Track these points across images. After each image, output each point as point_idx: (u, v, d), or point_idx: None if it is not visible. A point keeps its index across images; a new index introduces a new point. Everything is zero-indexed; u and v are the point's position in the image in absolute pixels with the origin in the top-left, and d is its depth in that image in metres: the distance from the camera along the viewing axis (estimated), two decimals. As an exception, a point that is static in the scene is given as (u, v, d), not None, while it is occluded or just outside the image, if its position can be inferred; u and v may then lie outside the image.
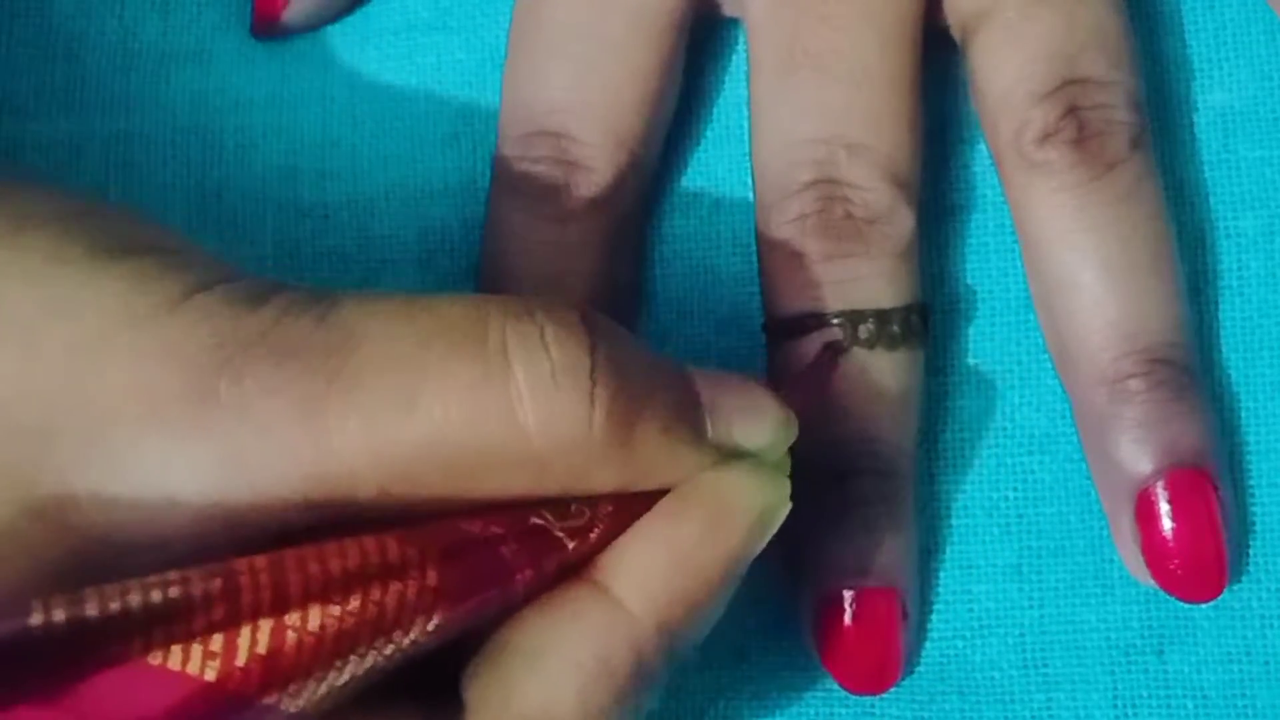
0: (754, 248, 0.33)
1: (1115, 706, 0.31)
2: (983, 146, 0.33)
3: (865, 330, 0.30)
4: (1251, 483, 0.32)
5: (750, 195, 0.33)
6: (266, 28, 0.34)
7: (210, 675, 0.22)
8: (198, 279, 0.25)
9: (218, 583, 0.23)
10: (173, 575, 0.23)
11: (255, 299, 0.25)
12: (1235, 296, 0.33)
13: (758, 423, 0.27)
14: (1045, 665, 0.32)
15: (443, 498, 0.25)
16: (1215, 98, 0.33)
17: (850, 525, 0.31)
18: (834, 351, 0.30)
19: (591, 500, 0.26)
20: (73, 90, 0.34)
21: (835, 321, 0.30)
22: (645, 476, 0.26)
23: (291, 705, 0.23)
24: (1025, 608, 0.32)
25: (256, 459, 0.24)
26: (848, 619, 0.31)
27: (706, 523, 0.26)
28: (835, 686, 0.32)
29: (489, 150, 0.34)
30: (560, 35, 0.32)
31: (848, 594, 0.31)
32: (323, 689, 0.23)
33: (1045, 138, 0.30)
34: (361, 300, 0.25)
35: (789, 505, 0.27)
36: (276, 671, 0.23)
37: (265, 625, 0.23)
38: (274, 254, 0.34)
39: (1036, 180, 0.30)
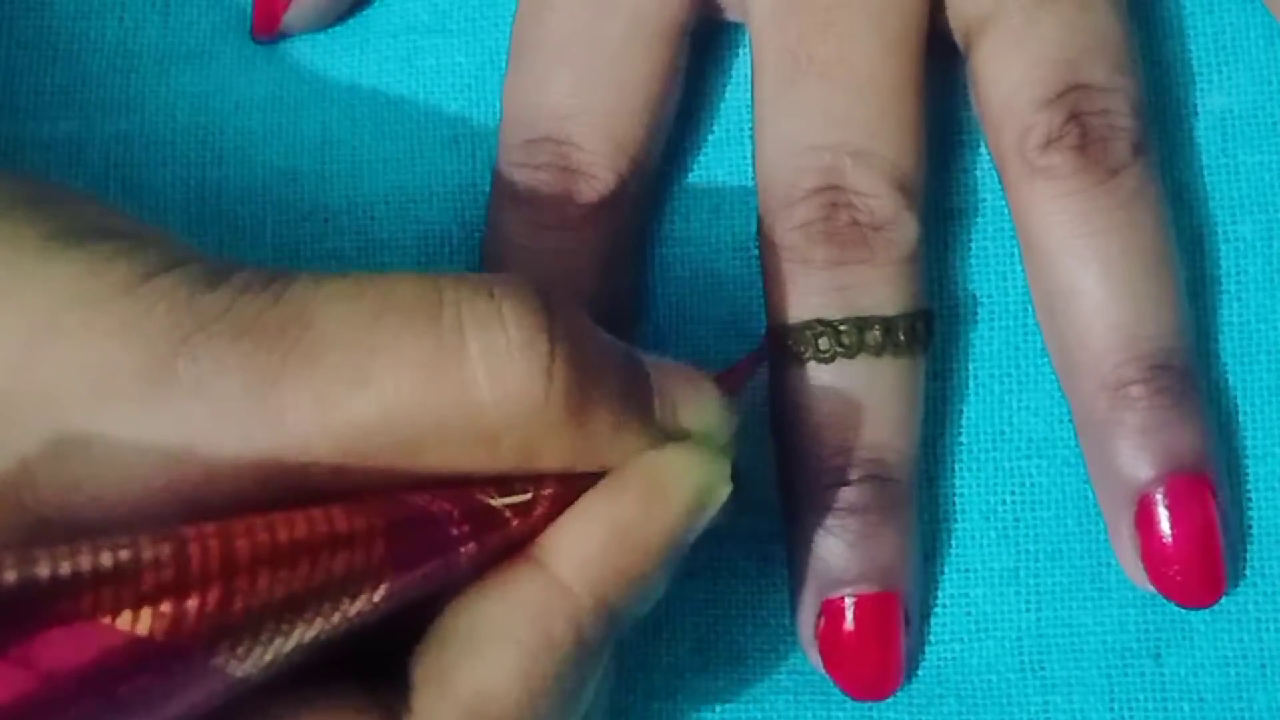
0: (755, 252, 0.33)
1: (1112, 710, 0.32)
2: (983, 150, 0.33)
3: (871, 337, 0.30)
4: (1248, 486, 0.32)
5: (751, 199, 0.33)
6: (267, 30, 0.34)
7: (159, 635, 0.23)
8: (154, 262, 0.25)
9: (166, 547, 0.23)
10: (123, 539, 0.23)
11: (212, 280, 0.25)
12: (1233, 301, 0.33)
13: (701, 407, 0.28)
14: (1042, 669, 0.32)
15: (396, 472, 0.25)
16: (1214, 102, 0.33)
17: (852, 530, 0.31)
18: (759, 358, 0.31)
19: (536, 479, 0.26)
20: (73, 91, 0.34)
21: (842, 328, 0.30)
22: (594, 454, 0.26)
23: (238, 669, 0.24)
24: (1023, 611, 0.32)
25: (213, 437, 0.24)
26: (849, 624, 0.31)
27: (644, 500, 0.26)
28: (835, 691, 0.32)
29: (489, 154, 0.34)
30: (562, 41, 0.32)
31: (849, 599, 0.31)
32: (269, 655, 0.24)
33: (1048, 143, 0.30)
34: (316, 278, 0.25)
35: (729, 486, 0.27)
36: (224, 633, 0.23)
37: (214, 588, 0.23)
38: (274, 257, 0.34)
39: (1039, 185, 0.30)
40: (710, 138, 0.34)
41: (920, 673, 0.32)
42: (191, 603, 0.23)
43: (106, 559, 0.23)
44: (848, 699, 0.32)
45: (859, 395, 0.31)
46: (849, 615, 0.31)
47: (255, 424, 0.24)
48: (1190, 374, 0.31)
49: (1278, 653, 0.32)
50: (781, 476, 0.32)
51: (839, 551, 0.31)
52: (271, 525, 0.24)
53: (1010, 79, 0.31)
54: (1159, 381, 0.30)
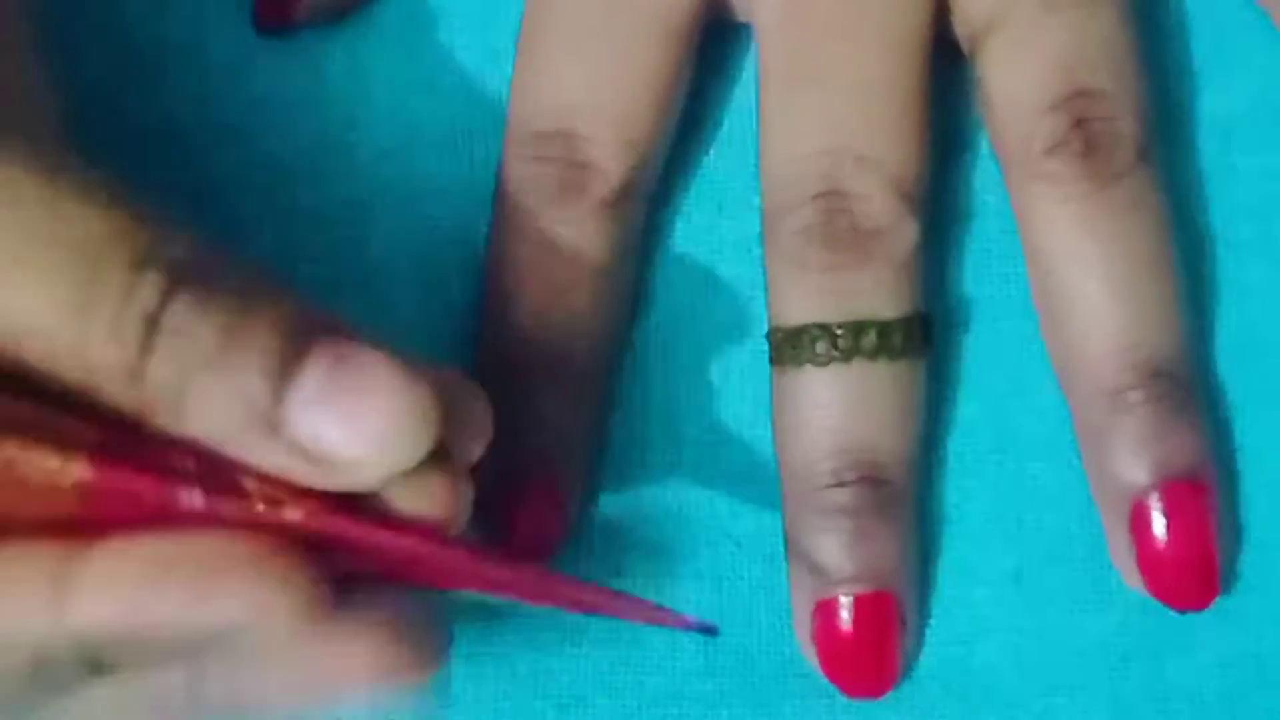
0: (755, 252, 0.33)
1: (1113, 712, 0.32)
2: (984, 154, 0.33)
3: (868, 341, 0.30)
4: (1247, 491, 0.32)
5: (751, 199, 0.33)
6: (276, 19, 0.34)
7: None
8: None
9: None
10: None
11: None
12: (1233, 305, 0.33)
13: (348, 438, 0.24)
14: (1043, 671, 0.32)
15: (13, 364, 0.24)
16: (1213, 105, 0.33)
17: (846, 532, 0.31)
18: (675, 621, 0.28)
19: (274, 493, 0.25)
20: (70, 89, 0.34)
21: (839, 332, 0.30)
22: (208, 440, 0.25)
23: None
24: (1023, 613, 0.32)
25: None
26: (843, 624, 0.31)
27: (180, 597, 0.24)
28: (840, 694, 0.32)
29: (489, 149, 0.33)
30: (574, 35, 0.31)
31: (843, 599, 0.31)
32: None
33: (1053, 148, 0.30)
34: (16, 169, 0.24)
35: (303, 619, 0.24)
36: None
37: None
38: (273, 253, 0.34)
39: (1043, 190, 0.30)
40: (710, 137, 0.34)
41: (921, 675, 0.32)
42: None
43: None
44: (853, 703, 0.32)
45: (855, 398, 0.31)
46: (843, 615, 0.31)
47: None
48: (1189, 381, 0.31)
49: (1277, 655, 0.32)
50: (780, 477, 0.32)
51: (833, 552, 0.31)
52: None
53: (1015, 83, 0.31)
54: (1158, 388, 0.30)
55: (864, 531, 0.31)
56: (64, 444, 0.24)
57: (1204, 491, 0.31)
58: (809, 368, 0.31)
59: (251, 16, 0.34)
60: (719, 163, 0.34)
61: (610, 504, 0.33)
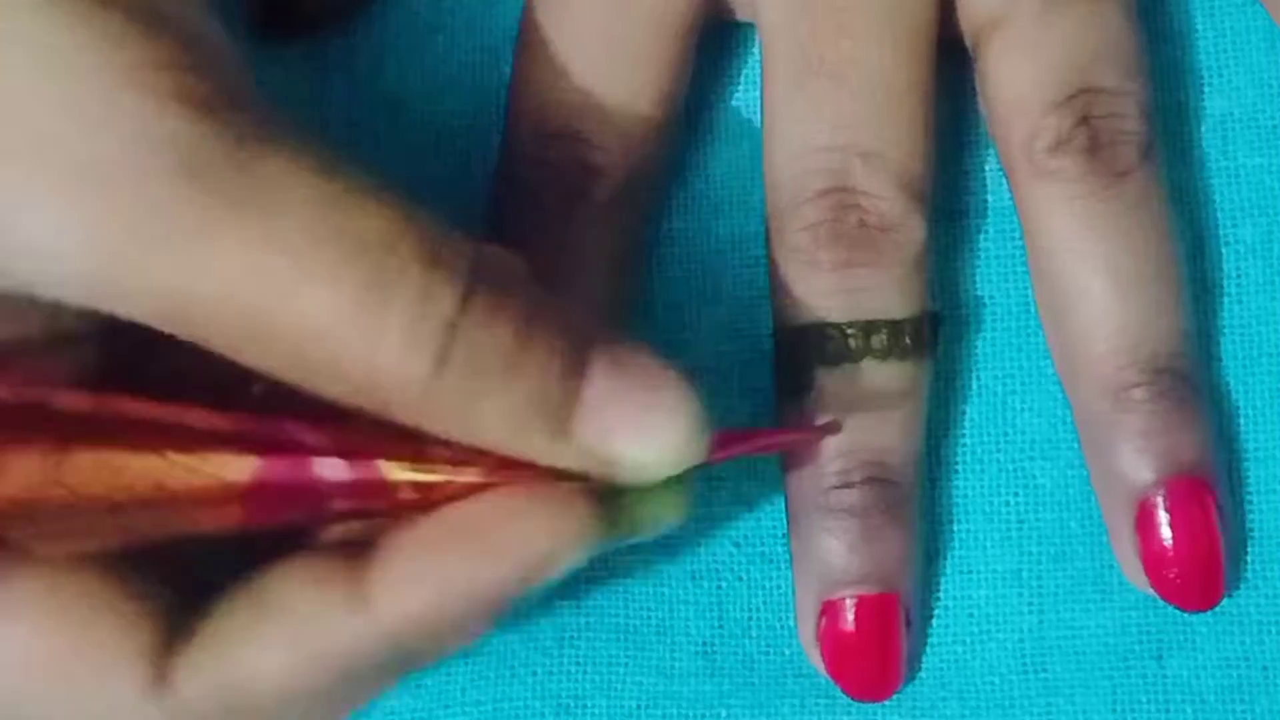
0: (755, 252, 0.33)
1: (1114, 712, 0.32)
2: (985, 152, 0.33)
3: (878, 340, 0.30)
4: (1249, 489, 0.32)
5: (752, 199, 0.33)
6: (278, 27, 0.34)
7: None
8: (152, 58, 0.24)
9: (23, 400, 0.23)
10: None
11: (198, 104, 0.24)
12: (1234, 304, 0.33)
13: (640, 439, 0.26)
14: (1045, 670, 0.32)
15: (289, 375, 0.25)
16: (1214, 105, 0.33)
17: (854, 532, 0.31)
18: (803, 435, 0.30)
19: (464, 457, 0.25)
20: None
21: (849, 331, 0.30)
22: (491, 446, 0.25)
23: (41, 548, 0.24)
24: (1025, 613, 0.32)
25: (129, 261, 0.24)
26: (849, 625, 0.31)
27: (480, 557, 0.25)
28: (841, 695, 0.32)
29: (488, 151, 0.33)
30: (577, 37, 0.31)
31: (849, 600, 0.31)
32: (73, 545, 0.24)
33: (1057, 146, 0.30)
34: (295, 165, 0.24)
35: (595, 545, 0.26)
36: (26, 516, 0.23)
37: (37, 467, 0.23)
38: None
39: (1047, 188, 0.30)
40: (710, 137, 0.34)
41: (922, 675, 0.32)
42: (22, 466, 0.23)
43: None
44: (853, 703, 0.32)
45: (863, 398, 0.31)
46: (849, 616, 0.31)
47: (172, 273, 0.24)
48: (1193, 378, 0.31)
49: (1279, 655, 0.32)
50: (785, 478, 0.32)
51: (840, 553, 0.31)
52: (145, 410, 0.24)
53: (1020, 81, 0.30)
54: (1161, 385, 0.30)
55: (871, 532, 0.31)
56: (223, 446, 0.24)
57: (1208, 488, 0.31)
58: (817, 366, 0.31)
59: (254, 20, 0.34)
60: (718, 163, 0.34)
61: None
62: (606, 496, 0.26)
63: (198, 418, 0.24)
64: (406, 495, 0.26)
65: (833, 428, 0.30)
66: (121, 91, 0.24)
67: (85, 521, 0.24)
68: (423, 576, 0.25)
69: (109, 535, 0.24)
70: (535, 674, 0.32)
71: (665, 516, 0.27)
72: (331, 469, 0.25)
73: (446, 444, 0.25)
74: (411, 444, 0.25)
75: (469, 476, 0.25)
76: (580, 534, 0.25)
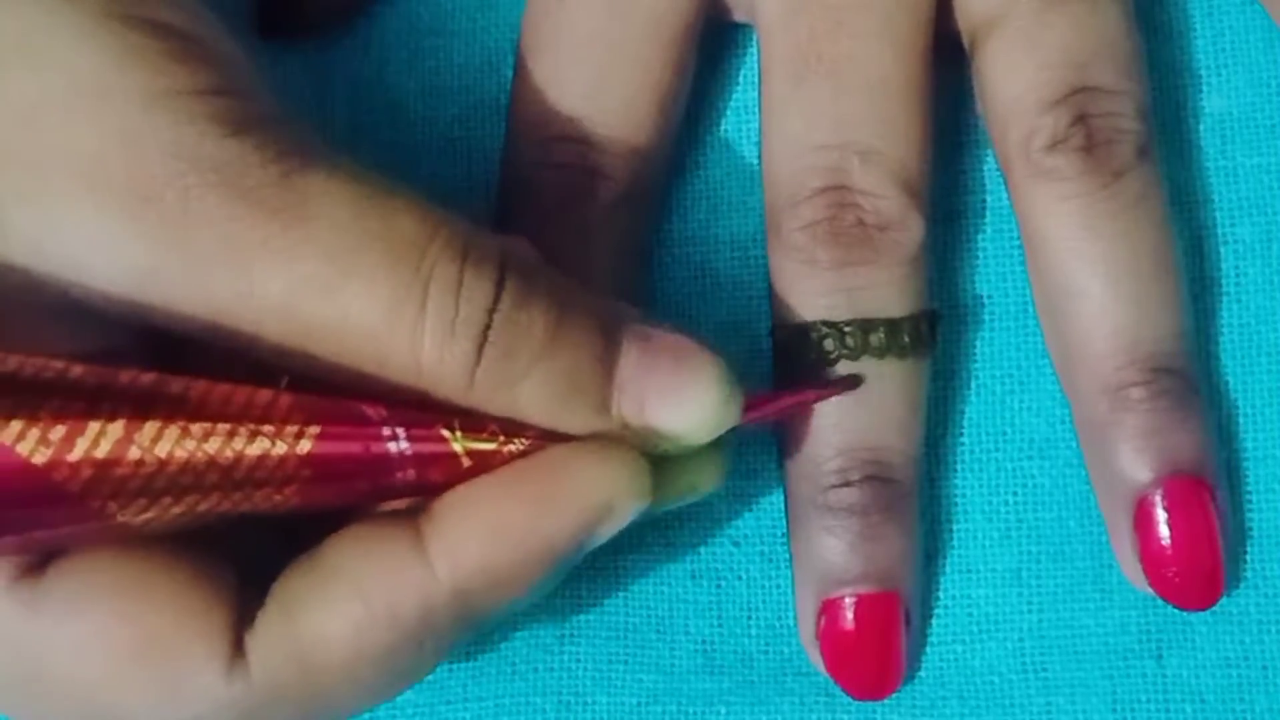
0: (754, 252, 0.33)
1: (1114, 711, 0.32)
2: (983, 152, 0.33)
3: (876, 339, 0.30)
4: (1248, 489, 0.32)
5: (751, 199, 0.33)
6: (280, 28, 0.34)
7: (39, 459, 0.23)
8: (184, 80, 0.25)
9: (90, 377, 0.24)
10: (57, 362, 0.24)
11: (235, 125, 0.25)
12: (1233, 303, 0.33)
13: (678, 405, 0.27)
14: (1044, 670, 0.32)
15: (337, 373, 0.26)
16: (1213, 105, 0.33)
17: (853, 531, 0.31)
18: (828, 393, 0.31)
19: (508, 430, 0.26)
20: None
21: (847, 330, 0.30)
22: (535, 423, 0.27)
23: (119, 516, 0.24)
24: (1024, 612, 0.32)
25: (176, 274, 0.25)
26: (849, 624, 0.31)
27: (534, 502, 0.26)
28: (840, 694, 0.32)
29: (488, 154, 0.33)
30: (578, 41, 0.31)
31: (849, 599, 0.31)
32: (152, 512, 0.24)
33: (1054, 145, 0.30)
34: (330, 176, 0.26)
35: (643, 498, 0.27)
36: (106, 480, 0.24)
37: (113, 431, 0.24)
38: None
39: (1044, 187, 0.30)
40: (708, 138, 0.34)
41: (922, 674, 0.32)
42: (84, 438, 0.23)
43: (28, 369, 0.23)
44: (852, 701, 0.32)
45: (862, 396, 0.31)
46: (849, 615, 0.31)
47: (218, 284, 0.25)
48: (1191, 377, 0.31)
49: (1278, 654, 0.32)
50: (785, 477, 0.32)
51: (840, 551, 0.31)
52: (209, 388, 0.25)
53: (1017, 80, 0.31)
54: (1160, 384, 0.30)
55: (871, 531, 0.31)
56: (281, 422, 0.25)
57: (1207, 487, 0.31)
58: (816, 366, 0.31)
59: (257, 21, 0.34)
60: (717, 163, 0.34)
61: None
62: (651, 463, 0.27)
63: (259, 394, 0.25)
64: (466, 465, 0.26)
65: (852, 382, 0.30)
66: (160, 115, 0.25)
67: (162, 490, 0.24)
68: (482, 527, 0.26)
69: (184, 507, 0.25)
70: (536, 670, 0.32)
71: (707, 480, 0.29)
72: (394, 440, 0.26)
73: (496, 419, 0.26)
74: (463, 418, 0.26)
75: (522, 445, 0.27)
76: (633, 485, 0.27)
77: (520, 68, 0.32)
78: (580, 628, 0.32)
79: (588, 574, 0.32)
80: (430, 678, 0.32)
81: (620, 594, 0.33)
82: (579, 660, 0.32)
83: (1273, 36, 0.33)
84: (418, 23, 0.34)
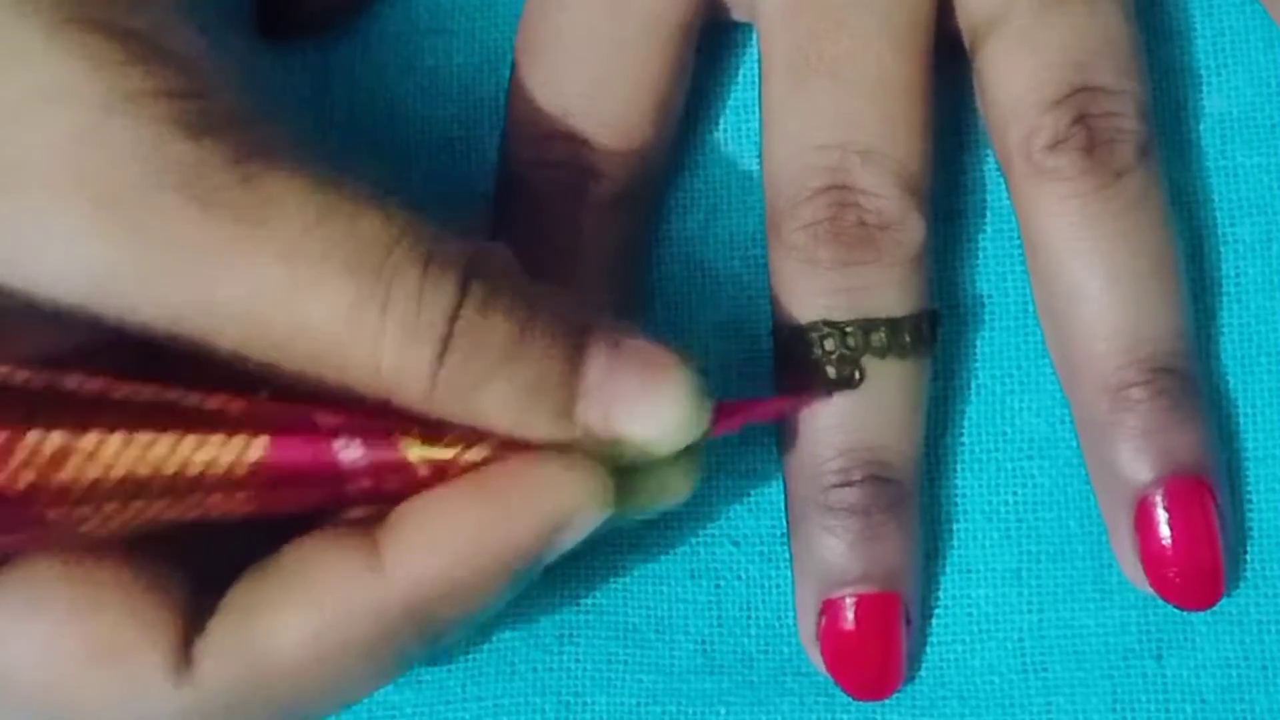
0: (754, 252, 0.33)
1: (1114, 711, 0.32)
2: (983, 152, 0.33)
3: (877, 339, 0.30)
4: (1248, 489, 0.32)
5: (750, 199, 0.33)
6: (279, 28, 0.34)
7: None
8: (143, 85, 0.25)
9: (34, 382, 0.24)
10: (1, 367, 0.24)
11: (196, 127, 0.25)
12: (1232, 303, 0.33)
13: (640, 418, 0.27)
14: (1044, 670, 0.32)
15: (297, 378, 0.26)
16: (1213, 104, 0.33)
17: (854, 531, 0.31)
18: (804, 401, 0.31)
19: (471, 436, 0.26)
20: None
21: (848, 330, 0.30)
22: (497, 430, 0.26)
23: (61, 523, 0.24)
24: (1024, 612, 0.32)
25: (135, 276, 0.25)
26: (850, 624, 0.31)
27: (494, 514, 0.26)
28: (840, 693, 0.32)
29: (487, 154, 0.33)
30: (575, 40, 0.31)
31: (849, 599, 0.31)
32: (96, 519, 0.24)
33: (1055, 145, 0.30)
34: (292, 178, 0.26)
35: (608, 510, 0.26)
36: (46, 488, 0.24)
37: (54, 439, 0.24)
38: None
39: (1045, 187, 0.30)
40: (708, 138, 0.34)
41: (922, 674, 0.32)
42: (26, 442, 0.23)
43: None
44: (852, 701, 0.32)
45: (863, 396, 0.31)
46: (849, 615, 0.31)
47: (177, 287, 0.25)
48: (1191, 377, 0.31)
49: (1278, 654, 0.32)
50: (785, 476, 0.32)
51: (840, 551, 0.31)
52: (159, 392, 0.25)
53: (1018, 80, 0.31)
54: (1160, 384, 0.30)
55: (872, 531, 0.31)
56: (230, 430, 0.25)
57: (1207, 487, 0.30)
58: (817, 366, 0.31)
59: (256, 21, 0.34)
60: (717, 163, 0.34)
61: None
62: (617, 471, 0.27)
63: (208, 400, 0.25)
64: (423, 473, 0.26)
65: (826, 389, 0.30)
66: (124, 118, 0.25)
67: (105, 496, 0.24)
68: (437, 537, 0.26)
69: (131, 514, 0.25)
70: (535, 670, 0.32)
71: (676, 489, 0.28)
72: (347, 449, 0.26)
73: (457, 427, 0.26)
74: (423, 426, 0.26)
75: (481, 454, 0.26)
76: (594, 496, 0.26)
77: (518, 66, 0.32)
78: (580, 628, 0.32)
79: (587, 574, 0.32)
80: (430, 678, 0.32)
81: (620, 594, 0.33)
82: (579, 660, 0.32)
83: (1273, 36, 0.33)
84: (417, 23, 0.34)
